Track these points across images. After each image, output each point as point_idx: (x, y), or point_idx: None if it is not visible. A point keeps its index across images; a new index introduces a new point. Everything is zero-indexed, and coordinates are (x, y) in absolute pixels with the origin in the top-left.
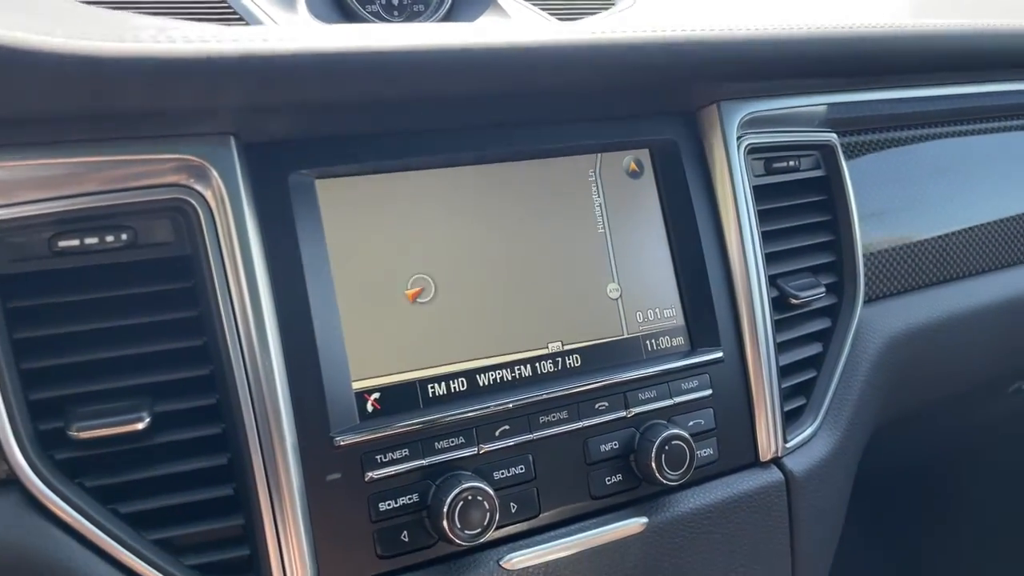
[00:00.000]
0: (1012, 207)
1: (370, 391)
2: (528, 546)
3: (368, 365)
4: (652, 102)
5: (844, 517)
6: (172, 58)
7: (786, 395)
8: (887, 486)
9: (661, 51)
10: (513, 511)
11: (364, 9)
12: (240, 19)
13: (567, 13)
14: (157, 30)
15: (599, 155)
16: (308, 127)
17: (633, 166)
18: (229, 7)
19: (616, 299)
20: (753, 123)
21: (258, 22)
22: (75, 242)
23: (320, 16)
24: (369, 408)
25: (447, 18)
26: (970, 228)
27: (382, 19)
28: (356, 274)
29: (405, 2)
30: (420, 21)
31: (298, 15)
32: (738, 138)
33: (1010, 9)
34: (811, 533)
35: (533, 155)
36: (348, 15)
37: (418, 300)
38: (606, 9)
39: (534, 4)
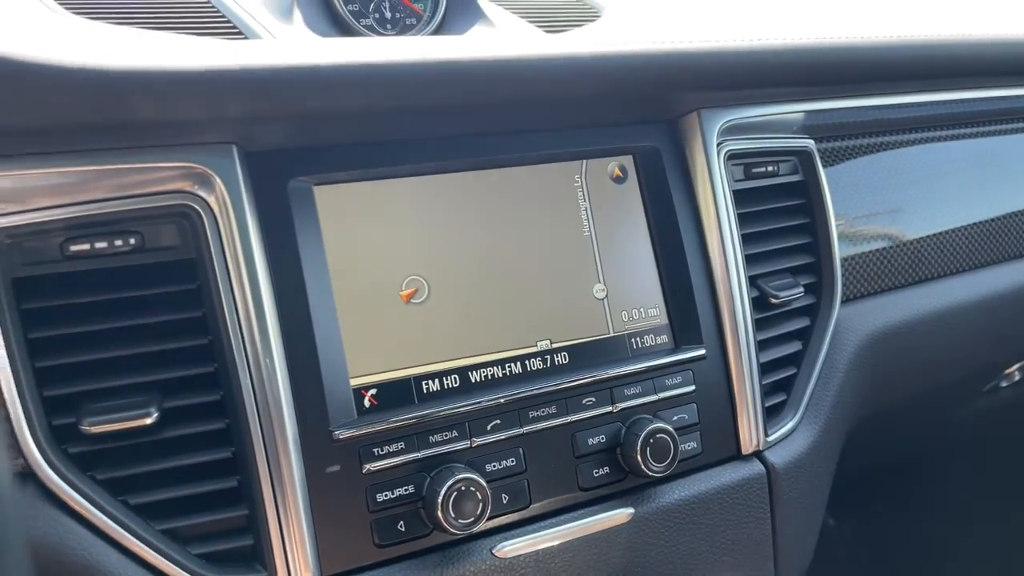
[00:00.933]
0: (982, 211)
1: (367, 387)
2: (519, 535)
3: (365, 362)
4: (635, 110)
5: (824, 508)
6: (181, 72)
7: (767, 391)
8: (870, 482)
9: (643, 63)
10: (505, 502)
11: (359, 23)
12: (239, 33)
13: (553, 25)
14: (165, 45)
15: (584, 161)
16: (306, 136)
17: (617, 172)
18: (228, 21)
19: (602, 299)
20: (732, 130)
21: (257, 36)
22: (86, 246)
23: (316, 30)
24: (366, 404)
25: (438, 31)
26: (943, 231)
27: (376, 32)
28: (353, 275)
29: (398, 16)
30: (412, 34)
31: (295, 29)
32: (718, 144)
33: None
34: (792, 523)
35: (522, 162)
36: (343, 29)
37: (412, 300)
38: (591, 21)
39: (521, 16)
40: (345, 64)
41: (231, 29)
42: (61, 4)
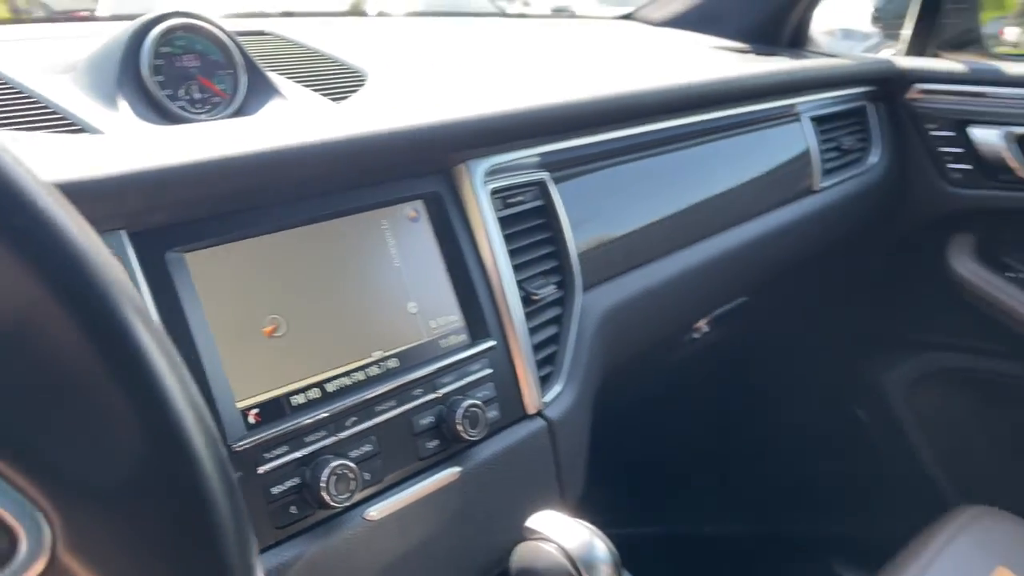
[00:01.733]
0: (670, 209)
1: (249, 408)
2: (381, 501)
3: (245, 388)
4: (419, 166)
5: (588, 446)
6: (98, 180)
7: (540, 365)
8: (618, 419)
9: (420, 135)
10: (368, 479)
11: (174, 105)
12: (75, 126)
13: (333, 92)
14: (74, 153)
15: (387, 208)
16: (177, 215)
17: (412, 213)
18: (60, 115)
19: (415, 313)
20: (493, 172)
21: (96, 129)
22: None
23: (142, 116)
24: (251, 420)
25: (241, 109)
26: (645, 226)
27: (190, 113)
28: (226, 321)
29: (205, 96)
30: (220, 113)
31: (122, 116)
32: (485, 184)
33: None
34: (568, 457)
35: (342, 214)
36: (163, 113)
37: (274, 335)
38: (361, 85)
39: (305, 86)
40: (231, 155)
41: (65, 122)
42: None
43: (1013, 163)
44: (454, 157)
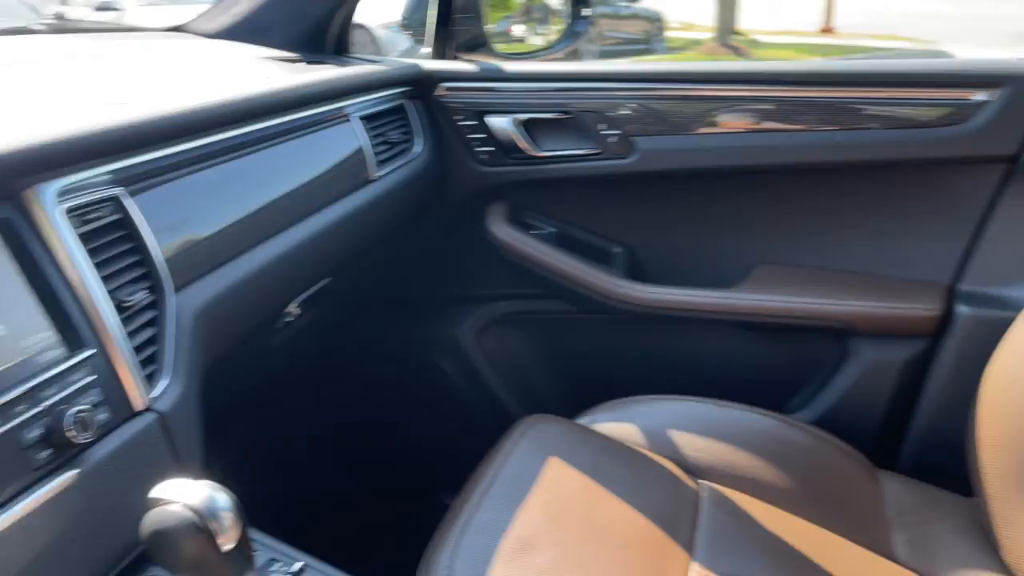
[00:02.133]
0: (250, 206)
1: None
2: (2, 515)
3: None
4: None
5: (201, 427)
6: None
7: (143, 365)
8: (241, 400)
9: None
10: None
11: None
12: None
13: None
14: None
15: None
16: None
17: None
18: None
19: (4, 336)
20: (66, 192)
21: None
22: None
23: None
24: None
25: None
26: (227, 226)
27: None
28: None
29: None
30: None
31: None
32: (58, 204)
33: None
34: (183, 442)
35: None
36: None
37: None
38: None
39: None
40: None
41: None
42: None
43: (521, 143)
44: (18, 183)
